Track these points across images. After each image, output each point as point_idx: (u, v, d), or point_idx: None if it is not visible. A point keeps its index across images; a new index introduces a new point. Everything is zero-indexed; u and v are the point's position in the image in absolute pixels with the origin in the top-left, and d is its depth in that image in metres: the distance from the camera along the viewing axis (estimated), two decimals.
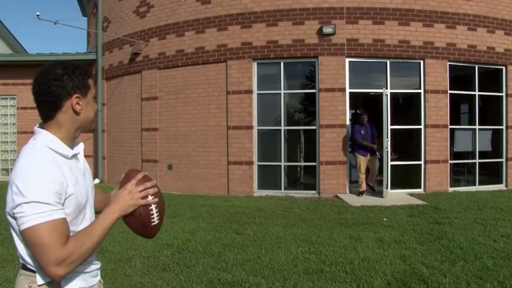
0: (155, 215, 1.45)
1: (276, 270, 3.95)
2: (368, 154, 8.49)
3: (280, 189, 9.12)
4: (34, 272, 1.33)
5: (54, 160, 1.30)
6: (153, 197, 1.44)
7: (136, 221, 1.43)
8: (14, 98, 12.90)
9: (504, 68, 9.58)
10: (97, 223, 1.33)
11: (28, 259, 1.32)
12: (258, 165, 9.20)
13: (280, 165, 9.21)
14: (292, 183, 9.60)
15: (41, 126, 1.39)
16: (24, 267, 1.35)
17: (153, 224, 1.44)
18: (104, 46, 11.87)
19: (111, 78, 11.57)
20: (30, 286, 1.33)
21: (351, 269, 3.93)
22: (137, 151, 10.36)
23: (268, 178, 9.23)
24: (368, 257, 4.29)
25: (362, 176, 8.48)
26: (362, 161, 8.47)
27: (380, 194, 8.41)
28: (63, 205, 1.28)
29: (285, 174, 9.31)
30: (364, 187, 8.49)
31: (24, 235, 1.23)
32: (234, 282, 3.64)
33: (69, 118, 1.37)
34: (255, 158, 9.16)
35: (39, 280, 1.32)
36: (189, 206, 7.58)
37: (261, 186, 9.18)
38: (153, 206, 1.44)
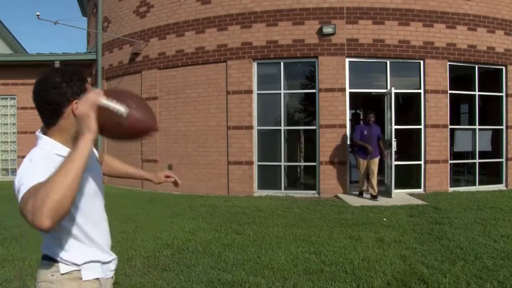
0: (115, 105, 1.32)
1: (276, 270, 3.95)
2: (368, 157, 8.08)
3: (280, 189, 9.12)
4: (56, 261, 1.42)
5: (54, 162, 1.31)
6: (103, 98, 1.32)
7: (107, 124, 1.33)
8: (14, 98, 12.90)
9: (504, 68, 9.58)
10: (69, 159, 1.24)
11: (52, 249, 1.42)
12: (258, 165, 9.20)
13: (280, 165, 9.21)
14: (292, 183, 9.60)
15: (43, 131, 1.46)
16: (47, 257, 1.44)
17: (120, 113, 1.32)
18: (104, 46, 11.87)
19: (111, 78, 11.57)
20: (53, 275, 1.41)
21: (351, 269, 3.93)
22: (137, 151, 10.36)
23: (268, 178, 9.23)
24: (368, 257, 4.29)
25: (362, 177, 8.27)
26: (361, 163, 8.16)
27: (384, 194, 8.40)
28: None
29: (285, 174, 9.31)
30: (362, 186, 8.30)
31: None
32: (234, 282, 3.64)
33: (71, 123, 1.42)
34: (255, 158, 9.16)
35: (62, 269, 1.42)
36: (189, 206, 7.58)
37: (261, 186, 9.18)
38: (106, 102, 1.32)
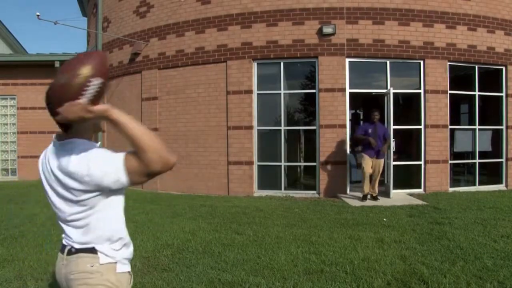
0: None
1: (276, 270, 3.95)
2: (375, 156, 7.86)
3: (280, 189, 9.12)
4: (96, 253, 1.56)
5: None
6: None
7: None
8: (14, 98, 12.90)
9: (504, 68, 9.58)
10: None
11: (92, 242, 1.56)
12: (258, 165, 9.20)
13: (280, 165, 9.21)
14: (292, 183, 9.60)
15: (59, 137, 1.59)
16: (83, 250, 1.57)
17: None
18: (104, 46, 11.87)
19: (111, 78, 11.56)
20: (92, 266, 1.56)
21: (351, 269, 3.93)
22: None
23: (268, 178, 9.23)
24: (368, 257, 4.29)
25: (366, 177, 7.88)
26: (366, 160, 7.80)
27: (383, 194, 8.39)
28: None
29: (285, 174, 9.31)
30: (367, 189, 7.90)
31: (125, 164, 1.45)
32: (234, 282, 3.64)
33: (86, 124, 1.56)
34: (255, 158, 9.17)
35: (102, 260, 1.56)
36: (189, 206, 7.58)
37: (261, 186, 9.18)
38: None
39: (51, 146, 1.63)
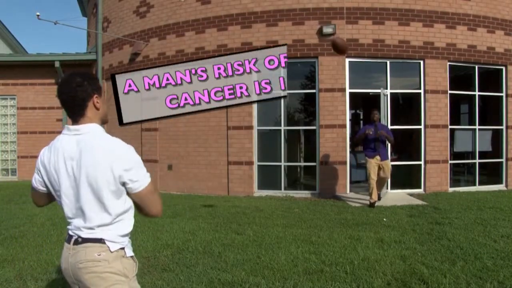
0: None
1: (276, 270, 3.95)
2: (378, 156, 7.37)
3: (280, 189, 9.12)
4: (103, 242, 1.68)
5: None
6: None
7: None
8: (14, 98, 12.88)
9: (504, 68, 9.58)
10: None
11: (103, 232, 1.69)
12: (258, 165, 9.20)
13: (280, 165, 9.21)
14: (292, 183, 9.60)
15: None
16: (90, 240, 1.68)
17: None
18: (104, 46, 11.87)
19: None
20: (99, 255, 1.67)
21: (351, 269, 3.93)
22: (137, 151, 10.21)
23: (268, 178, 9.23)
24: (368, 257, 4.29)
25: (373, 183, 7.30)
26: (370, 164, 7.36)
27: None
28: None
29: (285, 174, 9.31)
30: (375, 196, 7.30)
31: (142, 193, 1.77)
32: (234, 282, 3.64)
33: (94, 113, 1.80)
34: (255, 158, 9.16)
35: (112, 247, 1.69)
36: (189, 206, 7.58)
37: (261, 186, 9.18)
38: None
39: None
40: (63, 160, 1.73)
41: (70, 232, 1.75)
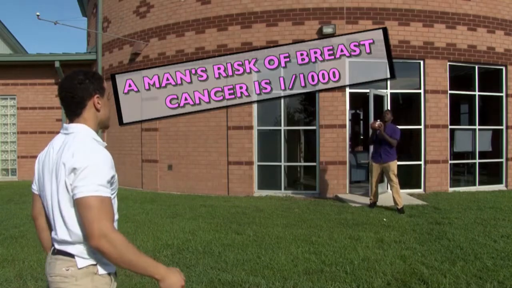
0: None
1: (276, 270, 3.95)
2: (381, 160, 7.11)
3: (280, 189, 9.12)
4: (73, 256, 1.51)
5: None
6: None
7: None
8: (14, 98, 12.89)
9: (504, 68, 9.58)
10: (145, 257, 1.49)
11: (72, 246, 1.51)
12: (258, 165, 9.20)
13: (280, 165, 9.21)
14: (292, 183, 9.60)
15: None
16: (61, 252, 1.53)
17: None
18: (104, 46, 11.87)
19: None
20: (68, 270, 1.51)
21: (351, 269, 3.93)
22: (137, 151, 10.35)
23: (268, 178, 9.23)
24: (368, 257, 4.29)
25: (373, 186, 7.27)
26: (372, 166, 7.31)
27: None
28: (111, 185, 1.54)
29: (285, 174, 9.31)
30: (373, 198, 7.31)
31: (78, 204, 1.45)
32: (234, 282, 3.64)
33: (92, 115, 1.66)
34: (255, 158, 9.16)
35: (80, 264, 1.51)
36: (189, 206, 7.58)
37: (261, 186, 9.18)
38: None
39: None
40: (49, 160, 1.61)
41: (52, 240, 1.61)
